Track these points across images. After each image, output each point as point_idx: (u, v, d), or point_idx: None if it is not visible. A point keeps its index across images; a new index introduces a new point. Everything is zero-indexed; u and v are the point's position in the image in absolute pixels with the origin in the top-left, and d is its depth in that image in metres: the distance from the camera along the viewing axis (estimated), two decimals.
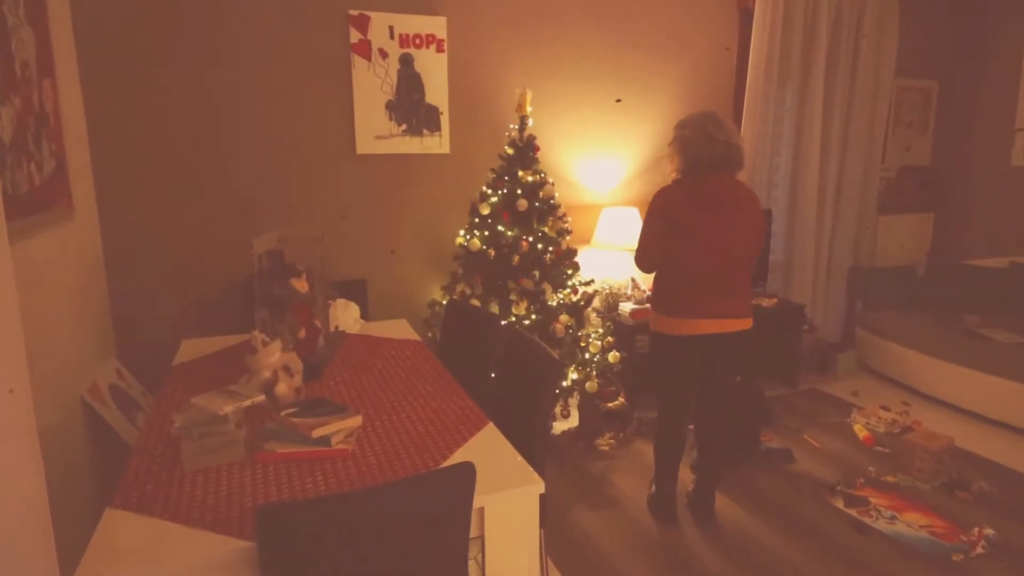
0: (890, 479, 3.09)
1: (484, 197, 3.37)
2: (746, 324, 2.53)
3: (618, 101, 3.91)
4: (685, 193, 2.45)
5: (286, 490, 1.50)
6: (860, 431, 3.56)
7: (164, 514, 1.42)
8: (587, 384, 3.37)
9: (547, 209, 3.36)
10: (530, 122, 3.39)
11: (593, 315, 3.72)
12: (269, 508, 1.19)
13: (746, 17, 4.17)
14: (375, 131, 3.44)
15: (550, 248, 3.31)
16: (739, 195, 2.46)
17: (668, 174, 2.59)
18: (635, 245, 3.76)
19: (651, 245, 2.51)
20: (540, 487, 1.55)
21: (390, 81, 3.43)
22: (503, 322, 3.19)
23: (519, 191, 3.31)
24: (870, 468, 3.17)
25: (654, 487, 2.80)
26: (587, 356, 3.40)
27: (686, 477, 3.05)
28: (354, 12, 3.30)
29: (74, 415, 2.39)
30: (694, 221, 2.41)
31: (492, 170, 3.42)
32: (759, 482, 3.07)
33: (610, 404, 3.45)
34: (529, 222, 3.34)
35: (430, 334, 3.49)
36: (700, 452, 2.74)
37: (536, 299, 3.30)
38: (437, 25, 3.45)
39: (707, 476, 2.73)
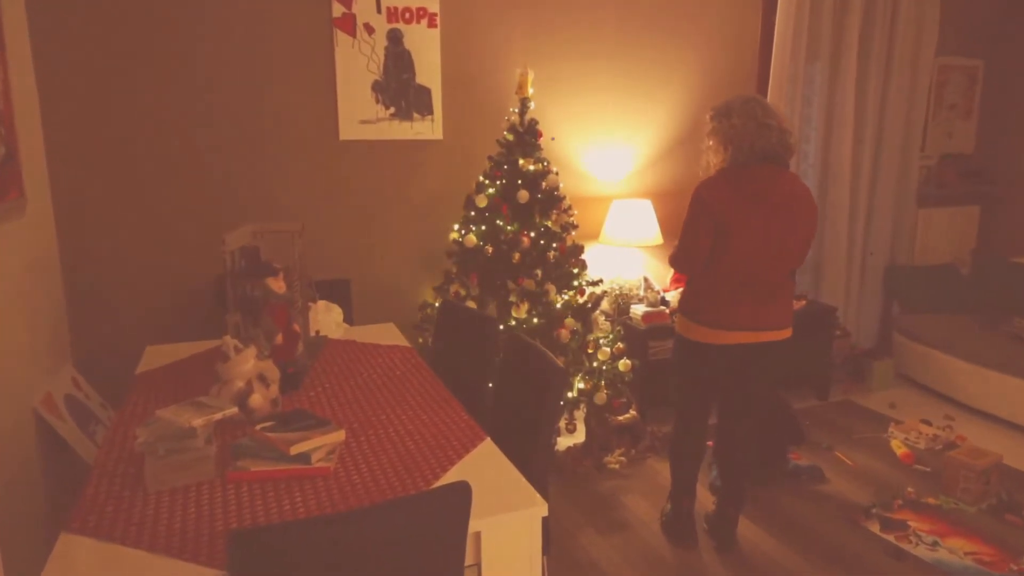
0: (931, 501, 3.09)
1: (481, 188, 3.37)
2: (785, 334, 2.50)
3: None
4: (734, 188, 2.35)
5: (261, 512, 1.50)
6: (898, 447, 3.56)
7: (126, 539, 1.42)
8: (595, 395, 3.37)
9: (551, 201, 3.36)
10: (532, 105, 3.39)
11: (602, 318, 3.72)
12: (242, 533, 1.19)
13: None
14: (360, 115, 3.44)
15: (554, 244, 3.31)
16: (795, 191, 2.38)
17: (710, 167, 2.48)
18: (648, 240, 3.80)
19: (696, 245, 2.40)
20: (543, 509, 1.55)
21: (376, 59, 3.43)
22: (502, 326, 3.20)
23: (520, 181, 3.31)
24: (909, 489, 3.18)
25: (669, 505, 2.80)
26: (595, 364, 3.40)
27: (705, 497, 3.05)
28: None
29: (26, 429, 2.39)
30: (744, 220, 2.32)
31: (490, 158, 3.42)
32: (786, 504, 3.07)
33: (620, 417, 3.45)
34: (531, 215, 3.34)
35: (421, 340, 3.48)
36: (722, 471, 2.74)
37: (538, 301, 3.30)
38: None
39: (730, 497, 2.73)
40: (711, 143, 2.45)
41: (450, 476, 1.66)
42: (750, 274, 2.39)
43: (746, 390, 2.60)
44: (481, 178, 3.40)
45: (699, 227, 2.38)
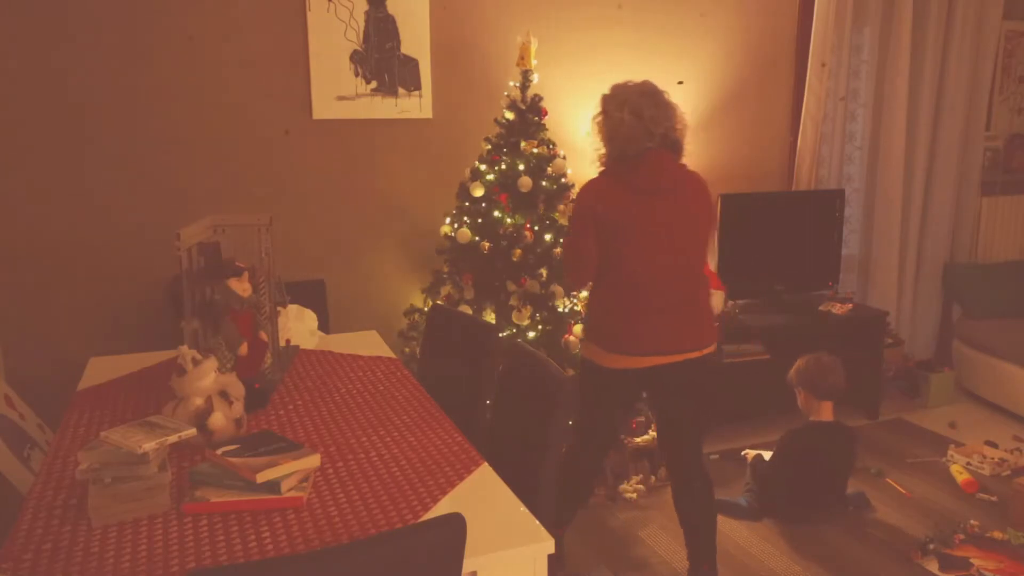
0: (998, 535, 3.09)
1: (477, 174, 3.37)
2: (708, 350, 2.54)
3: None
4: (618, 183, 2.48)
5: (223, 550, 1.50)
6: (959, 473, 3.56)
7: None
8: None
9: (557, 190, 3.36)
10: (535, 78, 3.40)
11: None
12: (201, 573, 1.19)
13: None
14: (337, 90, 3.44)
15: (561, 239, 3.31)
16: (678, 173, 2.52)
17: (595, 153, 2.60)
18: None
19: (581, 253, 2.51)
20: (549, 546, 1.55)
21: (356, 26, 3.43)
22: (501, 334, 3.19)
23: (521, 167, 3.31)
24: (972, 521, 3.18)
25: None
26: None
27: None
28: None
29: None
30: (633, 216, 2.44)
31: (487, 140, 3.42)
32: (829, 537, 3.07)
33: (638, 440, 3.45)
34: (534, 206, 3.35)
35: (407, 349, 3.48)
36: (685, 522, 2.63)
37: (543, 304, 3.30)
38: None
39: (700, 549, 2.63)
40: (594, 128, 2.56)
41: (442, 507, 1.66)
42: (655, 275, 2.45)
43: (680, 419, 2.59)
44: (477, 163, 3.40)
45: (584, 231, 2.48)
